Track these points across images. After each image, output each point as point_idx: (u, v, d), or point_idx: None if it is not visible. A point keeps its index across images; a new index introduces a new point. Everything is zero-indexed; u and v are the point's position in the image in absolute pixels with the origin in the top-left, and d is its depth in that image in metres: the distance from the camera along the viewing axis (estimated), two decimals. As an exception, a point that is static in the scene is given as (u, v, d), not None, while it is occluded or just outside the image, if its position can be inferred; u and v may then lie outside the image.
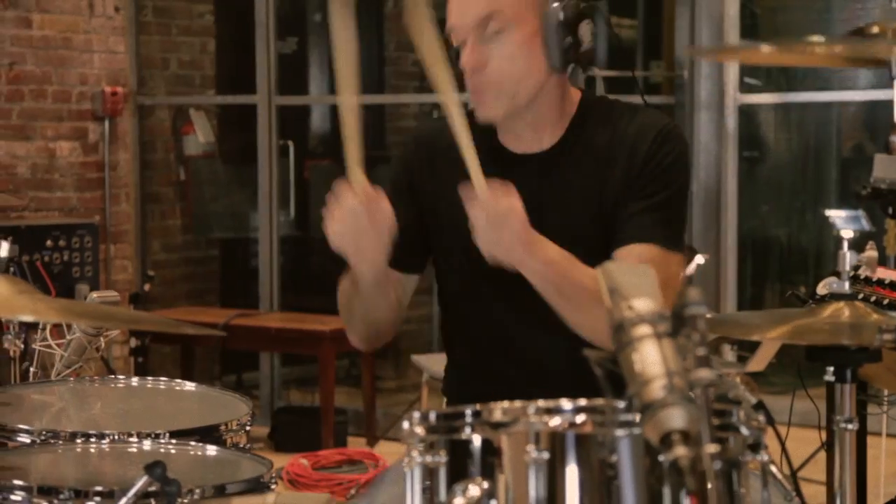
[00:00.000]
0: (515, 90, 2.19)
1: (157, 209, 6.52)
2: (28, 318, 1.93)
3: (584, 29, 2.20)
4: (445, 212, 2.28)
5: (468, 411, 1.68)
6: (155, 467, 2.01)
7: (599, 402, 1.63)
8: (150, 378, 2.86)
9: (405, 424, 1.75)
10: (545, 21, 2.18)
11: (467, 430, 1.67)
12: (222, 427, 2.53)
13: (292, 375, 6.45)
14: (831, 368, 1.95)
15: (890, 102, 6.44)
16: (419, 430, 1.67)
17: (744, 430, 1.64)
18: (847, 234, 7.09)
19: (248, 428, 2.59)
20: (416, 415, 1.70)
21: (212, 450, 2.40)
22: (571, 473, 1.60)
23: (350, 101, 2.12)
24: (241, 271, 6.68)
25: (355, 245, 2.13)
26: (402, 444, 1.75)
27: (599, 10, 2.20)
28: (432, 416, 1.69)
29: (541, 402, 1.63)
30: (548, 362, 2.27)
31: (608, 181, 2.23)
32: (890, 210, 4.89)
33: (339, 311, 2.41)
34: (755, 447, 1.64)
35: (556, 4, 2.18)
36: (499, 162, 2.25)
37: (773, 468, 1.80)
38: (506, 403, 1.67)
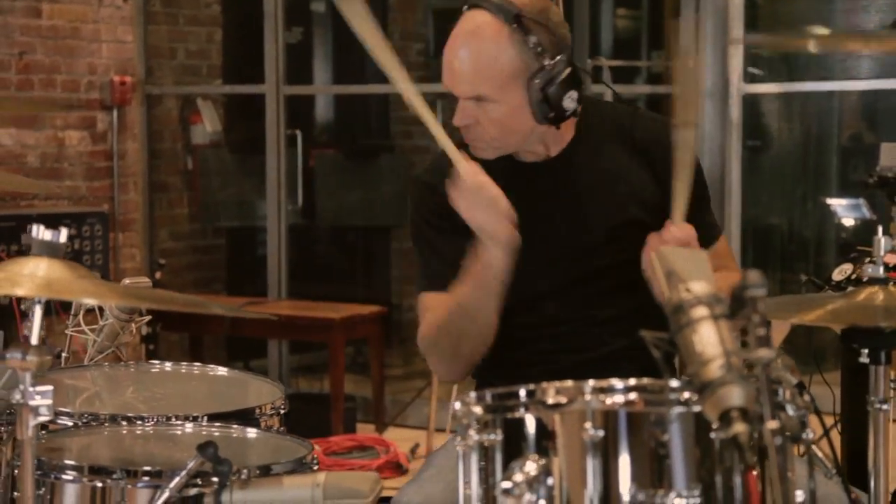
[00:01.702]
0: (505, 142, 2.32)
1: (164, 198, 6.56)
2: (91, 301, 1.97)
3: (568, 100, 2.28)
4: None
5: (522, 391, 1.74)
6: (207, 447, 2.07)
7: (650, 381, 1.68)
8: (183, 363, 2.92)
9: (456, 405, 1.81)
10: (530, 94, 2.26)
11: (521, 409, 1.73)
12: (257, 410, 2.58)
13: (299, 363, 6.50)
14: (866, 350, 2.01)
15: (889, 91, 6.53)
16: (477, 409, 1.72)
17: (790, 410, 1.70)
18: (848, 221, 7.10)
19: (282, 411, 2.64)
20: (472, 395, 1.76)
21: (252, 432, 2.45)
22: (625, 451, 1.66)
23: (407, 88, 2.16)
24: (248, 260, 6.73)
25: (488, 218, 2.18)
26: (456, 423, 1.80)
27: (581, 77, 2.27)
28: (488, 396, 1.75)
29: (594, 382, 1.69)
30: (588, 346, 2.33)
31: (632, 182, 2.36)
32: (896, 198, 4.98)
33: (431, 343, 2.40)
34: (801, 426, 1.69)
35: (537, 82, 2.25)
36: (510, 172, 2.34)
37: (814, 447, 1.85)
38: (558, 383, 1.73)
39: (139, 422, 2.42)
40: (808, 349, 4.17)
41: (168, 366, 2.91)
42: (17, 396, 1.90)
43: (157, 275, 5.41)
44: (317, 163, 6.73)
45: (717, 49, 5.91)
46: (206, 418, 2.47)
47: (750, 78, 6.22)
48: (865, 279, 2.04)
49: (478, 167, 2.20)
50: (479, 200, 2.17)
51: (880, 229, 2.12)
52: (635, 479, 1.65)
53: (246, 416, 2.56)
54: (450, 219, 2.32)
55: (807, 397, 1.70)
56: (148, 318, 3.06)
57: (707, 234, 2.38)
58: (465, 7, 2.31)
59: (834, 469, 1.88)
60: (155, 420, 2.42)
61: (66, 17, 6.07)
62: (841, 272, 3.39)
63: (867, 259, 3.34)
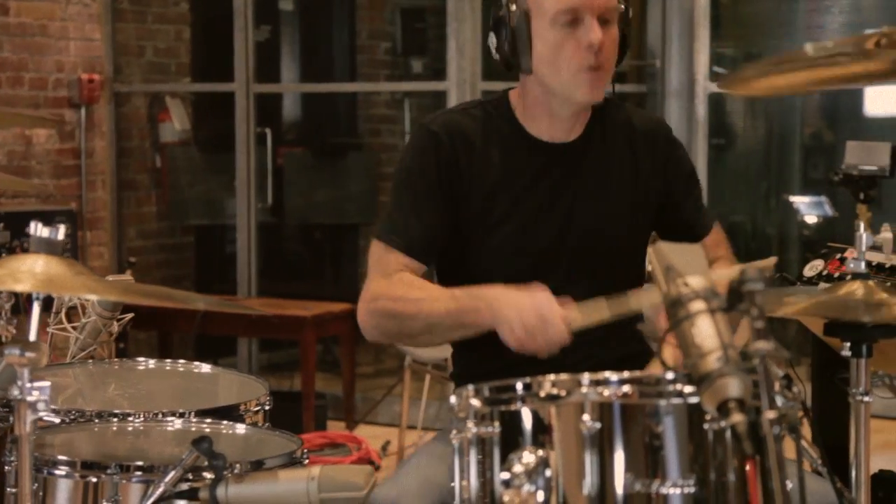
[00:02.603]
0: (611, 75, 2.33)
1: (132, 196, 6.55)
2: (92, 297, 1.99)
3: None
4: (481, 203, 2.35)
5: (519, 384, 1.77)
6: (202, 442, 2.09)
7: (644, 373, 1.73)
8: (168, 361, 2.93)
9: (452, 399, 1.84)
10: (620, 29, 2.33)
11: (518, 402, 1.76)
12: (242, 407, 2.60)
13: (269, 361, 6.51)
14: (848, 344, 2.06)
15: (853, 91, 6.62)
16: (475, 402, 1.76)
17: (779, 401, 1.74)
18: (810, 219, 7.19)
19: (267, 408, 2.67)
20: (470, 387, 1.79)
21: (241, 428, 2.47)
22: (621, 442, 1.70)
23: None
24: (217, 258, 6.73)
25: (536, 345, 2.12)
26: (450, 416, 1.83)
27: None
28: (486, 389, 1.78)
29: (591, 375, 1.73)
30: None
31: (639, 173, 2.41)
32: (861, 196, 5.06)
33: (373, 313, 2.32)
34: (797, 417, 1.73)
35: (621, 24, 2.34)
36: (531, 150, 2.36)
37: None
38: (553, 376, 1.76)
39: (129, 418, 2.43)
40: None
41: (152, 363, 2.93)
42: (14, 392, 1.92)
43: (127, 273, 5.40)
44: (285, 161, 6.75)
45: (683, 49, 5.98)
46: (193, 414, 2.49)
47: (715, 77, 6.29)
48: (848, 276, 2.09)
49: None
50: (542, 341, 2.11)
51: (861, 225, 2.16)
52: (631, 470, 1.69)
53: (231, 413, 2.58)
54: (447, 181, 2.32)
55: (796, 389, 1.74)
56: (130, 315, 3.08)
57: (703, 223, 2.48)
58: None
59: (820, 460, 1.93)
60: (144, 416, 2.43)
61: (34, 15, 6.05)
62: (812, 268, 3.44)
63: (837, 255, 3.41)
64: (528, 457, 1.70)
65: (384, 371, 6.62)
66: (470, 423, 1.77)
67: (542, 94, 2.35)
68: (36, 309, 1.95)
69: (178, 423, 2.44)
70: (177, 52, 6.70)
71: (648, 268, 1.77)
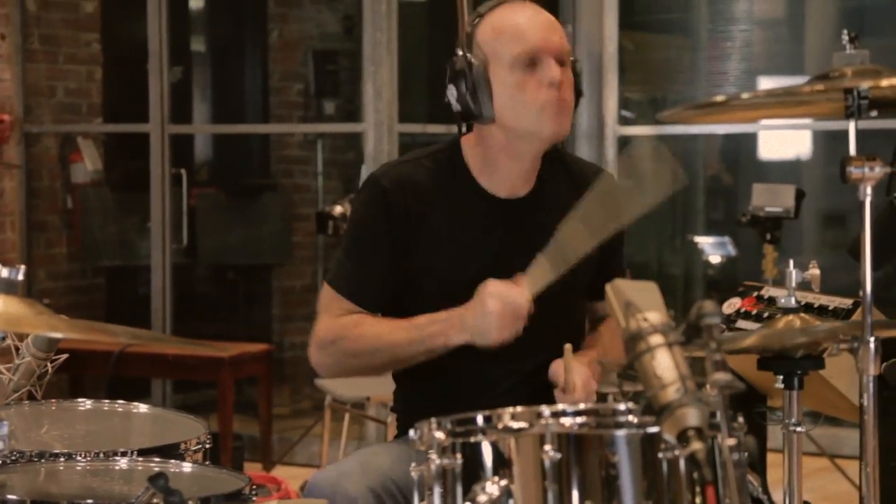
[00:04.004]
0: (572, 112, 2.41)
1: (42, 238, 6.49)
2: (57, 335, 2.01)
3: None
4: (430, 253, 2.42)
5: (480, 417, 1.84)
6: (158, 479, 2.11)
7: (600, 405, 1.80)
8: (105, 401, 2.94)
9: (412, 433, 1.90)
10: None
11: (480, 434, 1.83)
12: (182, 445, 2.63)
13: (183, 402, 6.48)
14: (780, 376, 2.16)
15: (749, 136, 6.85)
16: (439, 434, 1.82)
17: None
18: (714, 259, 7.38)
19: (207, 446, 2.69)
20: (434, 421, 1.85)
21: (187, 466, 2.49)
22: (579, 471, 1.77)
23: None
24: (129, 299, 6.69)
25: (502, 327, 2.27)
26: (414, 448, 1.89)
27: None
28: (448, 423, 1.84)
29: (548, 407, 1.80)
30: (508, 384, 2.43)
31: None
32: (768, 236, 5.24)
33: (325, 348, 2.45)
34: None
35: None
36: (481, 204, 2.44)
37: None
38: (511, 409, 1.84)
39: (75, 457, 2.44)
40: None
41: (89, 403, 2.93)
42: (-29, 432, 1.93)
43: (41, 314, 5.35)
44: (198, 202, 6.74)
45: (593, 93, 6.13)
46: (135, 453, 2.51)
47: (623, 120, 6.46)
48: (778, 314, 2.21)
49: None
50: (511, 314, 2.25)
51: (791, 262, 2.27)
52: (590, 498, 1.76)
53: (172, 452, 2.60)
54: (397, 232, 2.39)
55: (741, 419, 1.83)
56: (64, 356, 3.08)
57: (614, 274, 2.52)
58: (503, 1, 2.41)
59: (760, 488, 2.02)
60: (89, 456, 2.44)
61: (-56, 54, 6.00)
62: (730, 306, 3.57)
63: (754, 293, 3.54)
64: (492, 487, 1.76)
65: (300, 412, 6.63)
66: (433, 455, 1.83)
67: (504, 141, 2.40)
68: (-4, 348, 1.96)
69: (123, 463, 2.46)
70: (88, 93, 6.67)
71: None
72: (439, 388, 2.48)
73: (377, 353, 2.39)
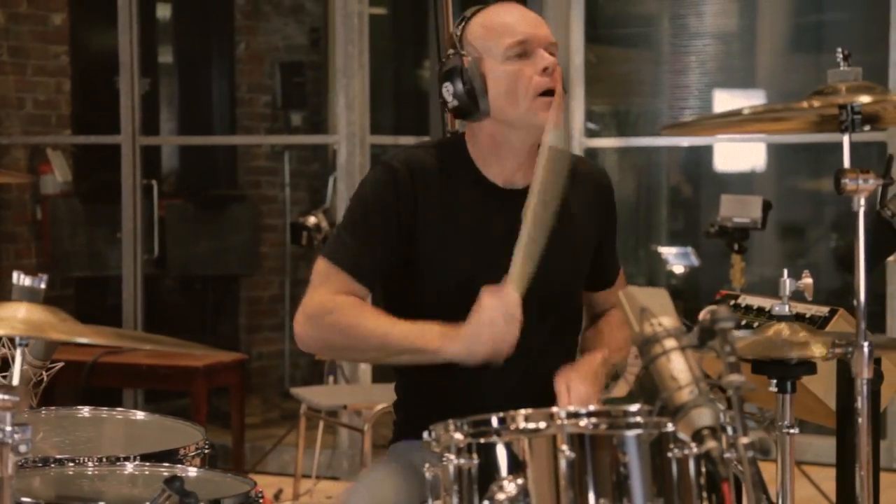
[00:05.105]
0: (563, 103, 2.47)
1: (12, 248, 6.49)
2: (84, 340, 2.07)
3: None
4: (435, 238, 2.47)
5: (494, 418, 1.91)
6: (174, 481, 2.16)
7: (612, 407, 1.88)
8: (104, 408, 2.99)
9: (426, 435, 1.97)
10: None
11: (496, 435, 1.90)
12: (182, 451, 2.68)
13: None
14: (774, 381, 2.25)
15: (706, 148, 6.98)
16: (457, 435, 1.89)
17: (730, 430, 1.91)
18: (678, 269, 7.48)
19: (206, 451, 2.74)
20: (451, 423, 1.92)
21: (192, 471, 2.54)
22: (593, 470, 1.85)
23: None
24: (100, 310, 6.70)
25: (492, 339, 2.30)
26: (427, 449, 1.96)
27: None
28: (465, 424, 1.91)
29: (564, 409, 1.88)
30: (517, 383, 2.49)
31: (582, 218, 2.57)
32: (735, 246, 5.35)
33: (315, 325, 2.45)
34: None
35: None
36: (485, 192, 2.50)
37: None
38: (524, 411, 1.91)
39: (79, 463, 2.48)
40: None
41: (87, 411, 2.97)
42: (-6, 435, 1.97)
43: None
44: (167, 212, 6.77)
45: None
46: (139, 459, 2.56)
47: (589, 133, 6.57)
48: (756, 323, 2.30)
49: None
50: (501, 321, 2.30)
51: (785, 272, 2.36)
52: (604, 496, 1.83)
53: (171, 457, 2.65)
54: (404, 214, 2.44)
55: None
56: (60, 364, 3.11)
57: (615, 266, 2.71)
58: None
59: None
60: (99, 460, 2.49)
61: (-87, 66, 6.00)
62: (707, 313, 3.67)
63: (731, 301, 3.64)
64: (509, 486, 1.83)
65: (269, 421, 6.67)
66: (450, 456, 1.89)
67: (499, 133, 2.47)
68: (19, 354, 2.01)
69: (129, 467, 2.51)
70: (57, 104, 6.68)
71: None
72: (442, 392, 2.52)
73: (369, 337, 2.40)
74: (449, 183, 2.49)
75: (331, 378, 5.61)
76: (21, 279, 2.02)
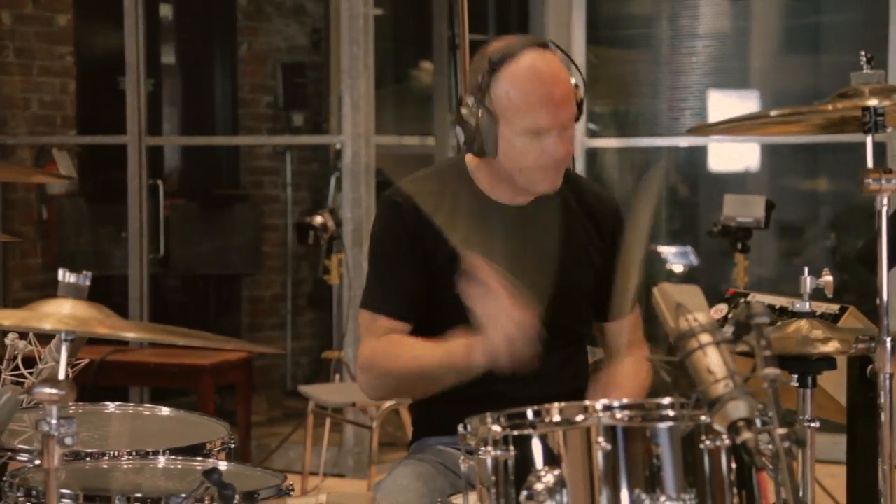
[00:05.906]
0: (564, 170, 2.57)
1: (17, 248, 6.53)
2: (131, 336, 2.12)
3: None
4: (448, 255, 2.52)
5: (530, 411, 1.97)
6: (213, 473, 2.22)
7: (646, 400, 1.94)
8: (130, 404, 3.04)
9: (461, 429, 2.03)
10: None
11: (532, 427, 1.95)
12: (207, 446, 2.73)
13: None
14: (795, 376, 2.31)
15: (701, 149, 7.05)
16: (495, 427, 1.94)
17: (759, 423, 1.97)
18: (677, 268, 7.53)
19: (231, 446, 2.79)
20: (488, 415, 1.98)
21: (223, 464, 2.59)
22: (627, 462, 1.91)
23: None
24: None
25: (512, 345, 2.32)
26: (461, 442, 2.02)
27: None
28: (502, 417, 1.97)
29: (599, 402, 1.94)
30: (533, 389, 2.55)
31: (592, 240, 2.65)
32: (739, 245, 5.42)
33: (368, 371, 2.55)
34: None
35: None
36: (490, 210, 2.58)
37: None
38: (559, 404, 1.97)
39: (112, 456, 2.53)
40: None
41: (113, 406, 3.03)
42: (44, 428, 2.03)
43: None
44: (170, 212, 6.82)
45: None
46: (167, 452, 2.61)
47: (591, 133, 6.63)
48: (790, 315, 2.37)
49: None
50: (519, 341, 2.31)
51: (806, 270, 2.42)
52: (638, 486, 1.89)
53: (198, 452, 2.70)
54: (416, 241, 2.52)
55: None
56: (85, 361, 3.16)
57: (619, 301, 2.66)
58: (518, 48, 2.50)
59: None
60: (132, 454, 2.54)
61: (-81, 68, 6.04)
62: (717, 311, 3.73)
63: (741, 299, 3.70)
64: (547, 476, 1.89)
65: (273, 419, 6.72)
66: (488, 448, 1.95)
67: (504, 172, 2.55)
68: (64, 348, 2.06)
69: (161, 461, 2.56)
70: (62, 105, 6.73)
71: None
72: (460, 391, 2.58)
73: (412, 373, 2.49)
74: (452, 203, 2.57)
75: (337, 376, 5.67)
76: (66, 276, 2.07)
